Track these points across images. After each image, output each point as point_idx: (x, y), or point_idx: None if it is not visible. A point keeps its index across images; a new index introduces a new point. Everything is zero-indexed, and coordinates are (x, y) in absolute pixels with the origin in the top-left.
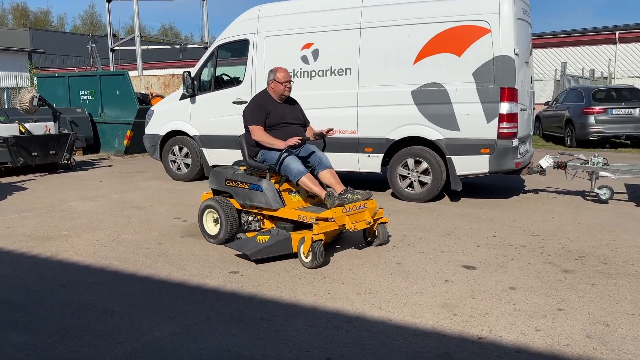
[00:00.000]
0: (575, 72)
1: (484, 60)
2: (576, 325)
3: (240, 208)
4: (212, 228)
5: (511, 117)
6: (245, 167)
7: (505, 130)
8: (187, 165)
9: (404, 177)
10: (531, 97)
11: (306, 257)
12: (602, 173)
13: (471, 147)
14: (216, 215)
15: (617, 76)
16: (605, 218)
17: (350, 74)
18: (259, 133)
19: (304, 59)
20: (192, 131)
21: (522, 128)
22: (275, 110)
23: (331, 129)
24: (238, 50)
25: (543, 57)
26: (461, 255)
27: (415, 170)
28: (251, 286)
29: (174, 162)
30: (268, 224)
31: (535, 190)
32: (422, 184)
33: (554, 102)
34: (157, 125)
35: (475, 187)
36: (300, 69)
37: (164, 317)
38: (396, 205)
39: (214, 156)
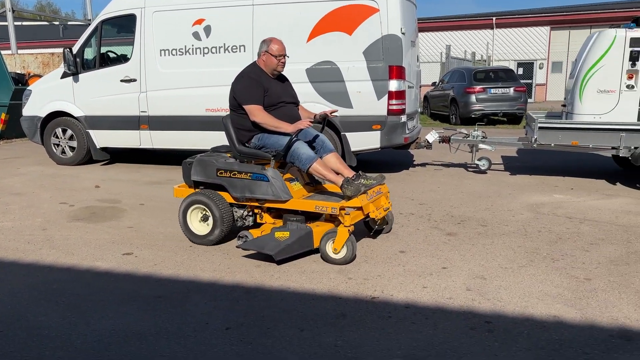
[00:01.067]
0: (458, 55)
1: (373, 39)
2: (458, 281)
3: (233, 202)
4: (200, 227)
5: (400, 94)
6: (231, 154)
7: (394, 107)
8: (72, 148)
9: None
10: (418, 75)
11: (337, 253)
12: (481, 145)
13: (363, 124)
14: (205, 212)
15: (494, 59)
16: (484, 186)
17: (245, 51)
18: (261, 114)
19: (196, 35)
20: (77, 112)
21: (410, 105)
22: (272, 88)
23: (335, 110)
24: (124, 26)
25: (430, 41)
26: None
27: None
28: (147, 266)
29: (58, 145)
30: (268, 218)
31: (423, 164)
32: None
33: (440, 83)
34: (36, 106)
35: (368, 162)
36: (192, 45)
37: (51, 302)
38: None
39: (102, 138)
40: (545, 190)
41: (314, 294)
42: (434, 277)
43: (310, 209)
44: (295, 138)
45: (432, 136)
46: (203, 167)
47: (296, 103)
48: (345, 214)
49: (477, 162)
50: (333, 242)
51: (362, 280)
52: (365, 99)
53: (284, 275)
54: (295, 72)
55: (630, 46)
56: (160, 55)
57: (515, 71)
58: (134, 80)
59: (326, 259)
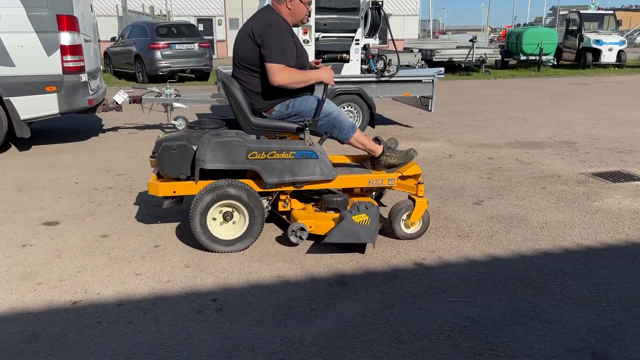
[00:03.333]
0: (136, 8)
1: None
2: (174, 259)
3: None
4: (224, 230)
5: (75, 49)
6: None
7: (70, 64)
8: None
9: None
10: (95, 28)
11: (410, 227)
12: (175, 104)
13: (33, 86)
14: (229, 209)
15: (174, 14)
16: None
17: None
18: (284, 73)
19: None
20: None
21: (90, 62)
22: (301, 46)
23: (319, 61)
24: None
25: None
26: (40, 212)
27: None
28: None
29: None
30: (296, 204)
31: (115, 128)
32: None
33: (120, 39)
34: None
35: (47, 132)
36: None
37: None
38: None
39: None
40: None
41: None
42: (146, 259)
43: (362, 185)
44: (324, 97)
45: (120, 96)
46: (227, 151)
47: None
48: (419, 182)
49: (173, 122)
50: (407, 216)
51: (56, 282)
52: (31, 55)
53: None
54: None
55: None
56: None
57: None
58: None
59: (397, 234)
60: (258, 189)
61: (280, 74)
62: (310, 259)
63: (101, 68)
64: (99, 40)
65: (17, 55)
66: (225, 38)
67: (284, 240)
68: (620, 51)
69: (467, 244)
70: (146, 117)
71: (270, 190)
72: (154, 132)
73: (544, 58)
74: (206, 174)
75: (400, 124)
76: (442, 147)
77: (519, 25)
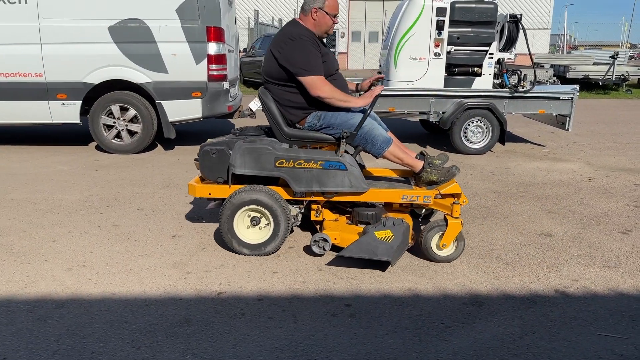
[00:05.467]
0: (266, 21)
1: None
2: (307, 260)
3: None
4: (251, 234)
5: (220, 59)
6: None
7: (215, 73)
8: None
9: (109, 127)
10: (236, 39)
11: (443, 250)
12: None
13: (182, 91)
14: (256, 214)
15: None
16: None
17: (26, 2)
18: (327, 87)
19: None
20: None
21: (231, 71)
22: (325, 54)
23: (381, 75)
24: None
25: (236, 5)
26: (185, 207)
27: (122, 119)
28: None
29: None
30: (329, 215)
31: None
32: (131, 133)
33: (251, 49)
34: None
35: (189, 134)
36: None
37: None
38: (103, 160)
39: None
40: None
41: (147, 297)
42: (282, 259)
43: (395, 200)
44: (369, 112)
45: (255, 104)
46: (255, 157)
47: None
48: (454, 202)
49: None
50: (439, 237)
51: (203, 273)
52: (182, 63)
53: (105, 278)
54: (95, 30)
55: (437, 15)
56: None
57: None
58: None
59: (428, 255)
60: (288, 197)
61: (321, 87)
62: (442, 275)
63: (238, 77)
64: (239, 51)
65: (170, 63)
66: (346, 50)
67: (414, 253)
68: None
69: (615, 275)
70: None
71: (301, 199)
72: None
73: None
74: (240, 179)
75: (532, 142)
76: (580, 169)
77: None
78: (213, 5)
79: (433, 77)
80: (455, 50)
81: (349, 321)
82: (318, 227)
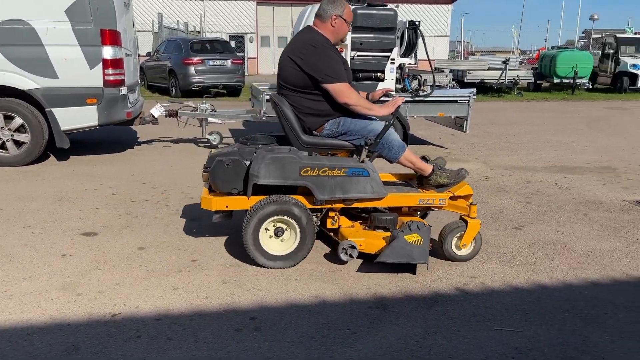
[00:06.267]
0: (171, 24)
1: None
2: (212, 274)
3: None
4: (276, 246)
5: (117, 63)
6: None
7: (111, 78)
8: None
9: None
10: (135, 43)
11: (461, 249)
12: (210, 119)
13: (75, 97)
14: (281, 225)
15: (207, 30)
16: None
17: None
18: (354, 94)
19: None
20: None
21: (130, 76)
22: (345, 63)
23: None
24: None
25: (139, 7)
26: (78, 222)
27: (7, 128)
28: None
29: None
30: (345, 221)
31: (150, 141)
32: (18, 143)
33: (155, 53)
34: None
35: (84, 143)
36: None
37: None
38: None
39: None
40: None
41: (30, 326)
42: (184, 274)
43: (412, 204)
44: (392, 121)
45: (157, 110)
46: (280, 166)
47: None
48: (471, 204)
49: (207, 136)
50: (458, 238)
51: (95, 294)
52: (74, 68)
53: None
54: None
55: None
56: None
57: None
58: None
59: (448, 256)
60: (308, 206)
61: (348, 94)
62: (348, 279)
63: (139, 81)
64: (138, 55)
65: (61, 68)
66: (256, 55)
67: (321, 258)
68: None
69: (510, 270)
70: (180, 131)
71: (320, 207)
72: (188, 145)
73: (578, 81)
74: (257, 189)
75: (433, 144)
76: (478, 169)
77: (552, 47)
78: (107, 7)
79: None
80: (358, 56)
81: (253, 335)
82: (332, 234)
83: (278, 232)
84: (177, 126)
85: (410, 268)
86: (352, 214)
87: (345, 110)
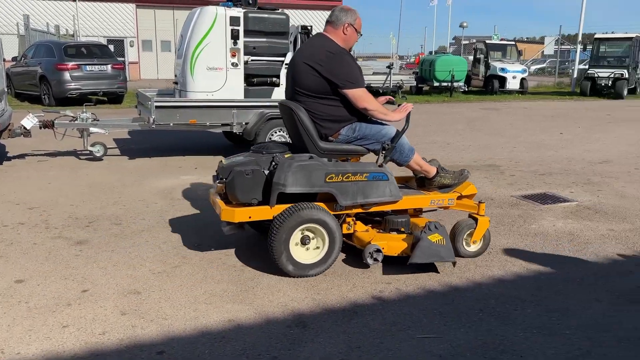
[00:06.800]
0: (39, 27)
1: None
2: (108, 305)
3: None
4: (304, 254)
5: None
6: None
7: None
8: None
9: None
10: None
11: (471, 245)
12: (92, 129)
13: None
14: (309, 234)
15: (82, 34)
16: (104, 176)
17: None
18: (372, 100)
19: None
20: None
21: None
22: (360, 69)
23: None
24: None
25: (1, 8)
26: None
27: None
28: None
29: None
30: (361, 226)
31: (22, 156)
32: None
33: (23, 58)
34: None
35: None
36: None
37: None
38: None
39: None
40: (171, 173)
41: None
42: (74, 308)
43: (424, 205)
44: (406, 127)
45: (29, 121)
46: (307, 174)
47: None
48: (479, 202)
49: (90, 148)
50: (469, 235)
51: None
52: None
53: None
54: None
55: (231, 24)
56: None
57: None
58: None
59: (459, 253)
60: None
61: (367, 100)
62: (262, 298)
63: (5, 89)
64: (4, 60)
65: None
66: (137, 60)
67: (230, 276)
68: (522, 79)
69: (422, 273)
70: (58, 143)
71: (340, 212)
72: (69, 159)
73: (455, 84)
74: (280, 198)
75: None
76: None
77: (430, 53)
78: None
79: (232, 87)
80: (252, 60)
81: None
82: (345, 239)
83: (305, 240)
84: (54, 138)
85: (432, 267)
86: (364, 218)
87: (360, 116)
